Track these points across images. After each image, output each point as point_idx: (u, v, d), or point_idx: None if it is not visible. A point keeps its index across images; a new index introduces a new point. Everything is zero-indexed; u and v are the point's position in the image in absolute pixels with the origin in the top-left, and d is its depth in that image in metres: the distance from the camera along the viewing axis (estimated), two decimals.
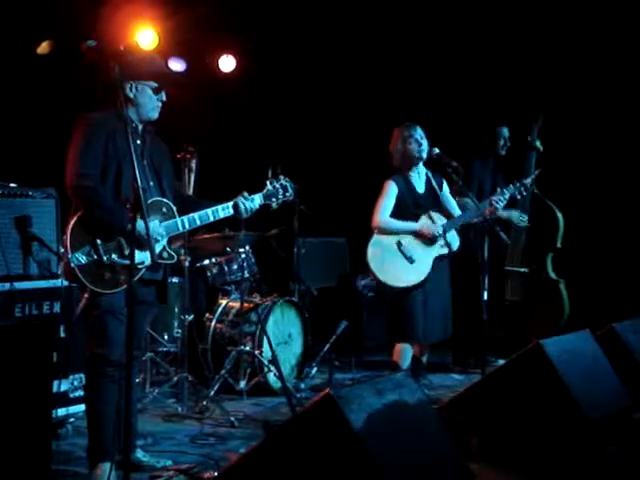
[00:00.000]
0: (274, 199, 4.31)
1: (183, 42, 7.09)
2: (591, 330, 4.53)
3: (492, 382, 4.14)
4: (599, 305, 6.59)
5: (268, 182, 4.33)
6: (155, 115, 4.09)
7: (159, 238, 3.93)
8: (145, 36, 6.66)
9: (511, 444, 3.91)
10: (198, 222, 4.10)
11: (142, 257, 3.86)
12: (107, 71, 3.63)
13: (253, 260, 5.87)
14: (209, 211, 4.10)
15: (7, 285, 4.34)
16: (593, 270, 6.99)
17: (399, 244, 5.52)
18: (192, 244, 5.76)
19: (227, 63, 7.63)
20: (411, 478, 3.01)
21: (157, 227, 3.93)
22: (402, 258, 5.51)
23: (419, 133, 5.63)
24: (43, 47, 6.29)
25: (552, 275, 6.68)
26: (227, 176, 7.25)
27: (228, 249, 5.86)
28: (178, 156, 5.71)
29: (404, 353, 5.60)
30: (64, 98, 6.10)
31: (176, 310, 6.06)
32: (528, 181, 5.79)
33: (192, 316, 5.67)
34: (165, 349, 5.98)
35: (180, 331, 5.76)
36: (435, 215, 5.62)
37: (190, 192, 5.86)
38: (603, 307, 6.40)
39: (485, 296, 5.51)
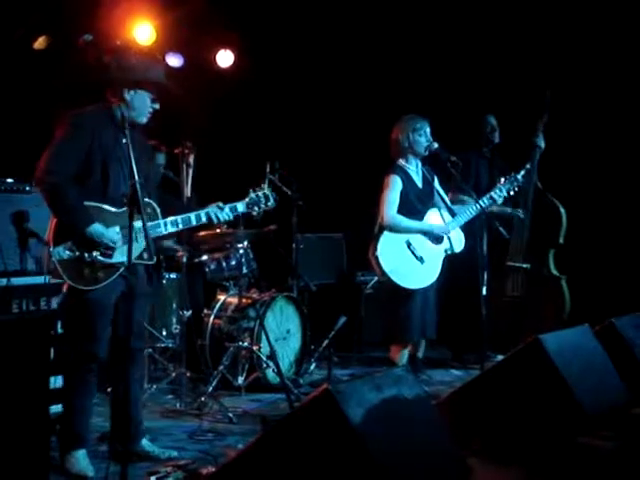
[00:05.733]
0: (256, 207, 4.39)
1: (180, 37, 7.07)
2: (590, 325, 4.52)
3: (491, 377, 4.13)
4: (599, 300, 6.56)
5: (251, 190, 4.40)
6: (144, 120, 4.09)
7: (111, 244, 3.88)
8: (142, 31, 6.64)
9: (510, 439, 3.90)
10: (180, 225, 4.15)
11: (123, 257, 3.85)
12: (102, 67, 3.62)
13: (251, 256, 5.86)
14: (192, 215, 4.16)
15: (4, 281, 4.33)
16: (593, 265, 6.96)
17: (408, 244, 5.48)
18: (190, 240, 5.74)
19: (225, 58, 7.61)
20: (409, 473, 3.00)
21: (114, 233, 3.90)
22: (413, 258, 5.49)
23: (429, 130, 5.61)
24: (40, 42, 6.28)
25: (554, 271, 6.64)
26: (225, 171, 7.26)
27: (227, 245, 5.84)
28: (176, 151, 5.70)
29: (401, 352, 5.60)
30: (61, 93, 6.08)
31: (174, 306, 6.05)
32: (519, 175, 5.79)
33: (190, 312, 5.64)
34: (163, 345, 5.96)
35: (178, 327, 5.75)
36: (444, 213, 5.60)
37: (188, 187, 5.84)
38: (603, 302, 6.38)
39: (484, 291, 5.50)
